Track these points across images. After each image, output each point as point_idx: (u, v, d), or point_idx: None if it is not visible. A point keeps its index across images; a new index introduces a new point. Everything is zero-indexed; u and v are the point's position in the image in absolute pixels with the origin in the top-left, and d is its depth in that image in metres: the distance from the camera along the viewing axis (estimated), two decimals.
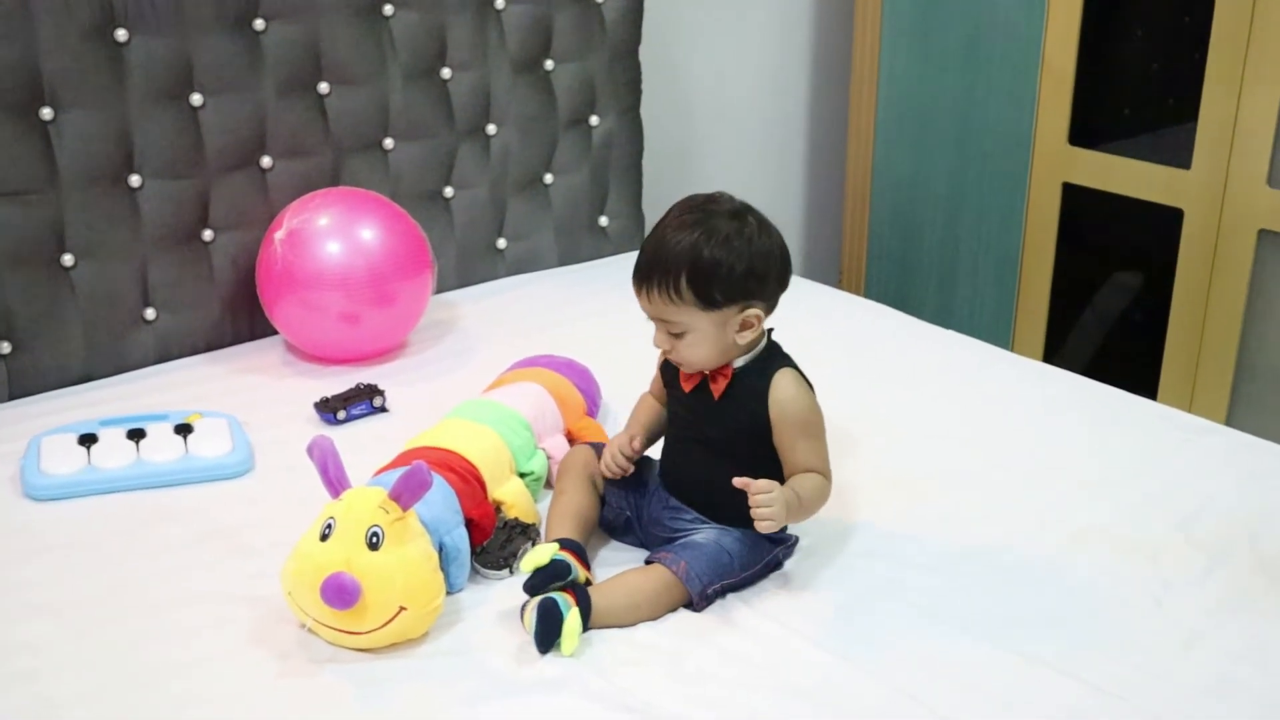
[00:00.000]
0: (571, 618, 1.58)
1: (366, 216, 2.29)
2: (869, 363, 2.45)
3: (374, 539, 1.56)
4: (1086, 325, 3.19)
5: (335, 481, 1.62)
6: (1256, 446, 2.15)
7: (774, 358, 1.74)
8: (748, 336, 1.69)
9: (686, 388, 1.75)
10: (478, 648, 1.60)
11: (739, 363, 1.72)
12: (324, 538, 1.57)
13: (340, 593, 1.52)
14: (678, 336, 1.69)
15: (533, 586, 1.61)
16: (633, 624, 1.65)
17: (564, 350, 2.24)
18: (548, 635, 1.57)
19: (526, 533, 1.78)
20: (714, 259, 1.64)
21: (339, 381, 2.27)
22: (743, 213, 1.70)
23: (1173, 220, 2.79)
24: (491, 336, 2.49)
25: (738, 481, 1.63)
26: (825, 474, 1.72)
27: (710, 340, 1.68)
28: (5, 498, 1.92)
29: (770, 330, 1.76)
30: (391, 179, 2.52)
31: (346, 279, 2.23)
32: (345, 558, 1.55)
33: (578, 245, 2.84)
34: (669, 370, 1.79)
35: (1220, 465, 2.08)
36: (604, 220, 2.87)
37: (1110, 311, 3.21)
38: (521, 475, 1.89)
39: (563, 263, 2.83)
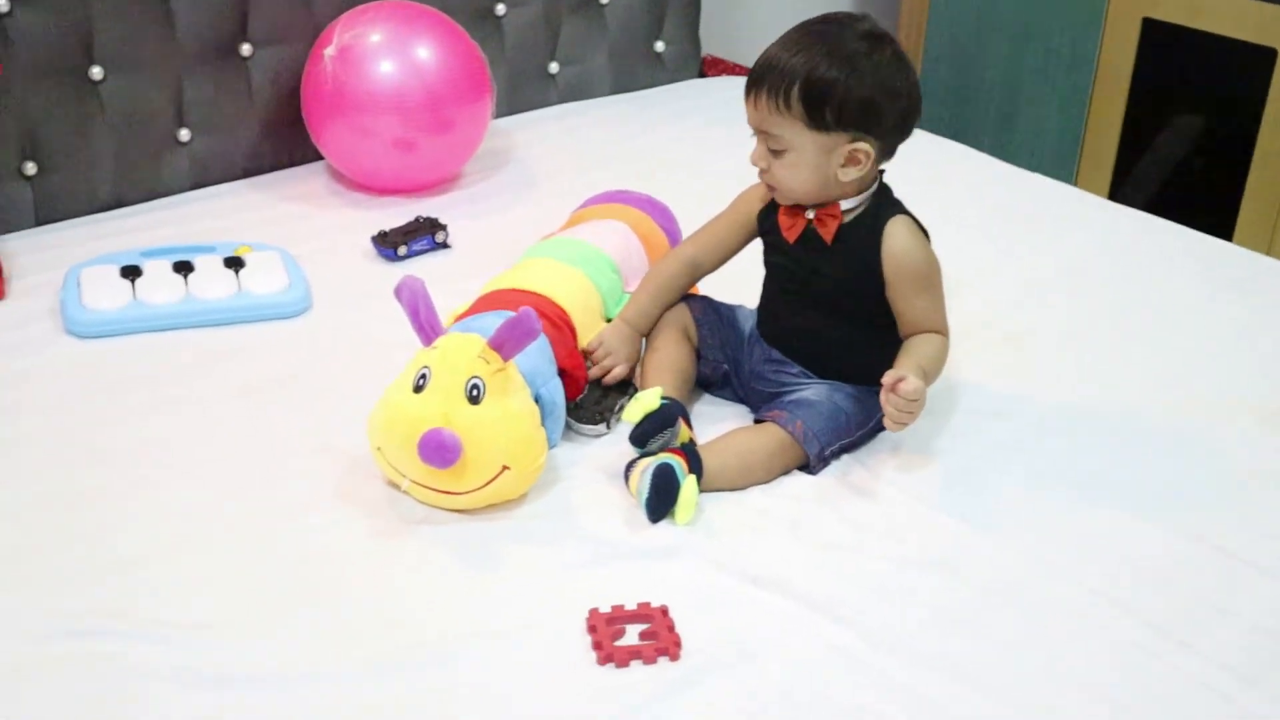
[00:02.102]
0: (688, 485, 1.46)
1: (423, 34, 2.09)
2: (941, 202, 2.24)
3: (474, 392, 1.43)
4: (1145, 168, 3.04)
5: (428, 327, 1.48)
6: None
7: (886, 204, 1.59)
8: (851, 174, 1.53)
9: (790, 236, 1.60)
10: (580, 510, 1.48)
11: (846, 205, 1.57)
12: (418, 389, 1.44)
13: (440, 450, 1.39)
14: (776, 155, 1.54)
15: (640, 435, 1.49)
16: (744, 487, 1.53)
17: (631, 186, 2.07)
18: (662, 503, 1.45)
19: (622, 386, 1.65)
20: (833, 76, 1.48)
21: (392, 213, 2.11)
22: (880, 38, 1.52)
23: (1263, 61, 2.62)
24: (551, 169, 2.32)
25: (888, 377, 1.48)
26: (944, 332, 1.59)
27: (810, 165, 1.53)
28: (46, 334, 1.77)
29: (882, 173, 1.61)
30: None
31: (402, 102, 2.05)
32: (443, 412, 1.41)
33: (632, 72, 2.65)
34: (768, 217, 1.64)
35: None
36: (660, 46, 2.67)
37: (1172, 156, 3.06)
38: (609, 321, 1.75)
39: (615, 90, 2.64)
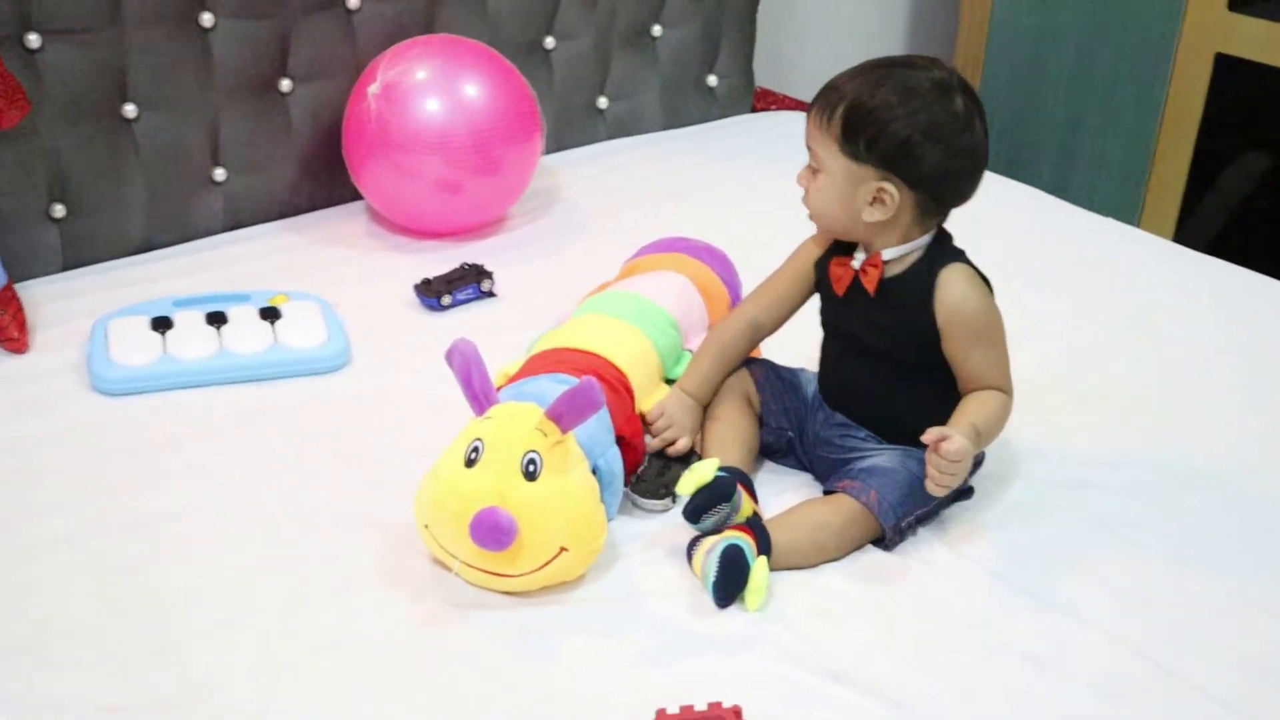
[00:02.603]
0: (759, 568, 1.35)
1: (470, 70, 1.99)
2: (998, 245, 2.08)
3: (531, 467, 1.32)
4: (1209, 207, 2.92)
5: (481, 395, 1.37)
6: None
7: (942, 253, 1.48)
8: (876, 215, 1.43)
9: (839, 288, 1.51)
10: (642, 593, 1.37)
11: (890, 254, 1.47)
12: (470, 463, 1.33)
13: (495, 532, 1.28)
14: (815, 173, 1.47)
15: (694, 510, 1.38)
16: (816, 564, 1.42)
17: (687, 228, 1.97)
18: (731, 587, 1.34)
19: (686, 459, 1.53)
20: (878, 104, 1.41)
21: (435, 259, 2.00)
22: (949, 88, 1.42)
23: None
24: (601, 210, 2.21)
25: (928, 436, 1.38)
26: (1006, 389, 1.48)
27: (837, 192, 1.45)
28: (72, 390, 1.67)
29: (941, 225, 1.50)
30: (490, 26, 2.21)
31: (446, 141, 1.95)
32: (498, 489, 1.31)
33: (683, 107, 2.54)
34: (822, 268, 1.54)
35: None
36: (713, 80, 2.56)
37: (1236, 192, 2.94)
38: (668, 382, 1.65)
39: (666, 126, 2.54)
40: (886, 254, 1.47)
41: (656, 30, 2.45)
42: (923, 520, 1.49)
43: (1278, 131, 2.79)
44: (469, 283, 1.89)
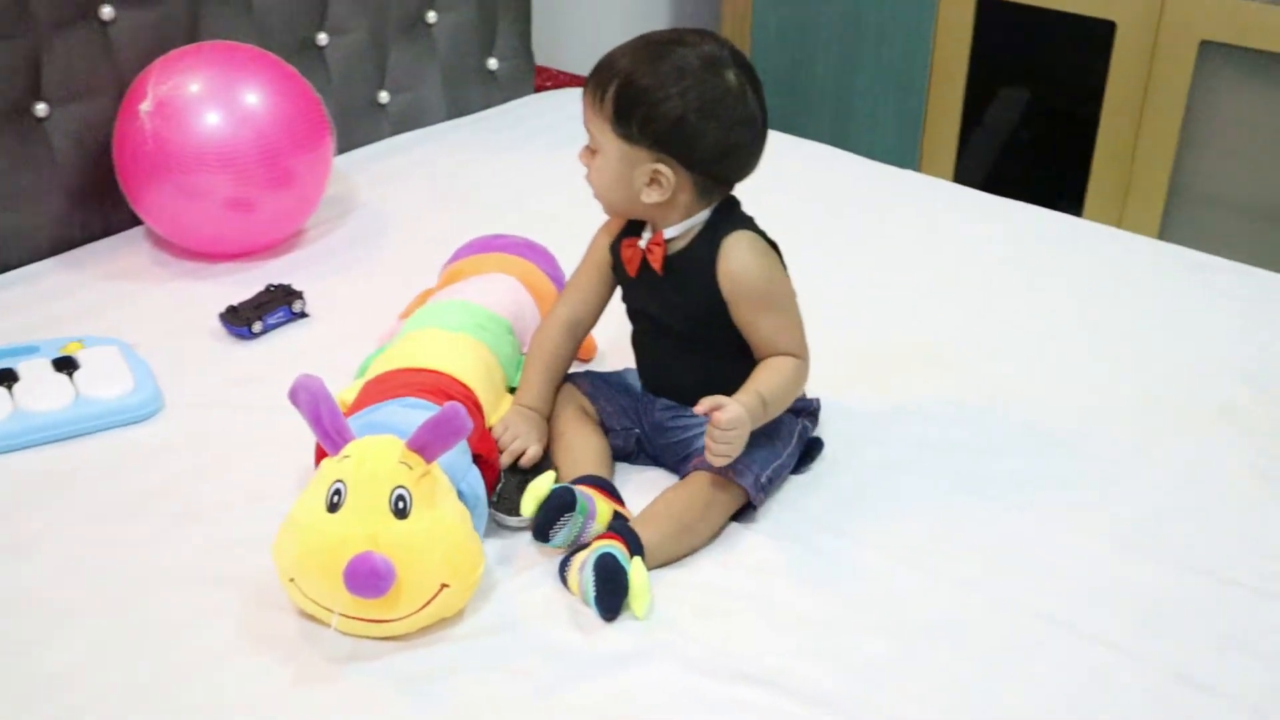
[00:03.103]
0: (636, 570, 1.30)
1: (248, 77, 1.86)
2: (789, 205, 2.07)
3: (400, 504, 1.24)
4: (979, 145, 3.01)
5: (334, 433, 1.28)
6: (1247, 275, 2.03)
7: (725, 222, 1.46)
8: (654, 196, 1.41)
9: (631, 269, 1.49)
10: (527, 619, 1.31)
11: (673, 231, 1.44)
12: (333, 507, 1.24)
13: (372, 578, 1.20)
14: (593, 154, 1.44)
15: (540, 527, 1.34)
16: (689, 552, 1.39)
17: (493, 224, 1.90)
18: (614, 597, 1.29)
19: (540, 468, 1.47)
20: (647, 84, 1.38)
21: (235, 283, 1.88)
22: (720, 63, 1.39)
23: (1103, 34, 2.61)
24: (402, 212, 2.12)
25: (700, 408, 1.37)
26: (798, 353, 1.46)
27: (613, 173, 1.42)
28: None
29: (726, 198, 1.48)
30: (257, 27, 2.08)
31: (232, 157, 1.82)
32: (369, 532, 1.22)
33: (466, 94, 2.46)
34: (615, 252, 1.51)
35: (1231, 303, 1.94)
36: (493, 63, 2.48)
37: (1014, 134, 3.05)
38: (510, 390, 1.58)
39: (451, 115, 2.45)
40: (668, 232, 1.45)
41: (431, 16, 2.35)
42: (775, 480, 1.46)
43: (1047, 70, 2.90)
44: (278, 305, 1.77)
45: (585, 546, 1.34)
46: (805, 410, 1.55)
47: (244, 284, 1.86)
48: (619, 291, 1.56)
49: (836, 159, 2.42)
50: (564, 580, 1.34)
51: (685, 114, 1.38)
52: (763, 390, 1.41)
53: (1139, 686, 1.23)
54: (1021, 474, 1.54)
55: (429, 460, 1.27)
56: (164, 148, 1.80)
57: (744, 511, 1.44)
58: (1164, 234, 2.63)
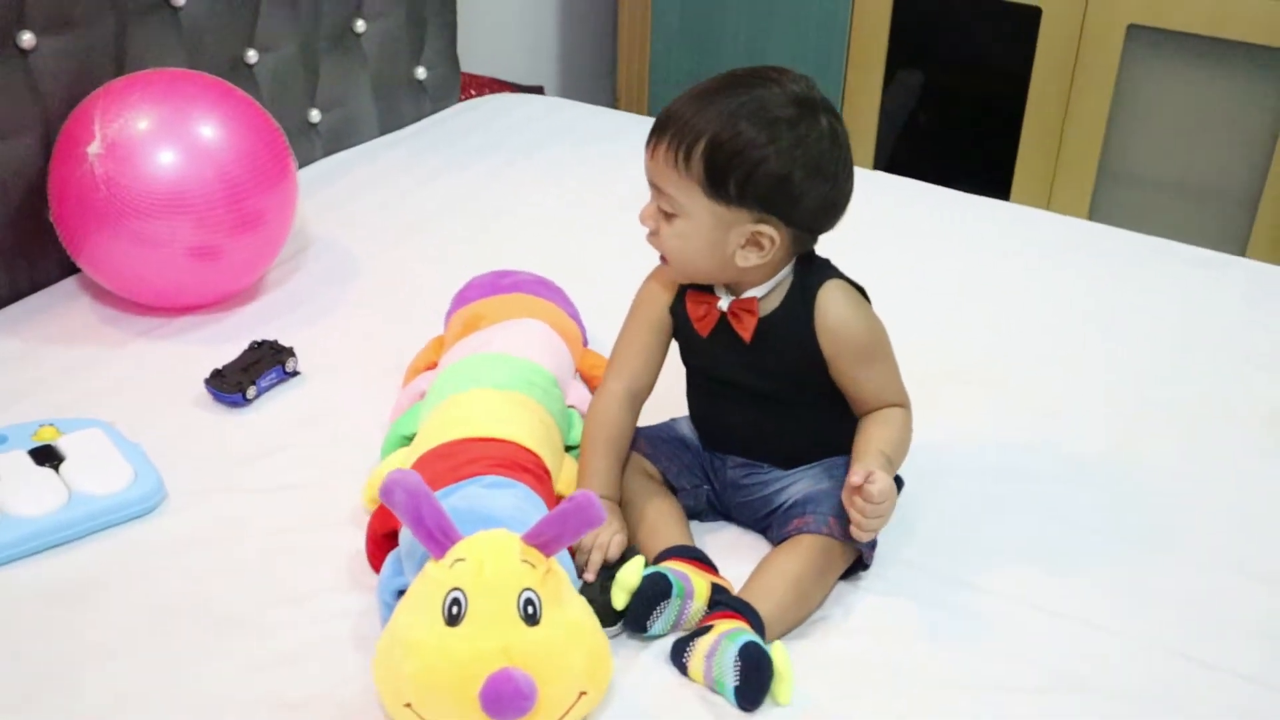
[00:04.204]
0: (781, 656, 1.19)
1: (201, 108, 1.65)
2: None
3: (529, 609, 1.10)
4: (895, 131, 2.98)
5: (439, 534, 1.12)
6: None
7: (812, 273, 1.35)
8: (752, 259, 1.29)
9: (703, 330, 1.36)
10: (659, 715, 1.18)
11: (760, 291, 1.33)
12: (454, 619, 1.09)
13: (516, 700, 1.06)
14: (669, 218, 1.30)
15: (637, 620, 1.22)
16: (806, 618, 1.29)
17: (463, 252, 1.76)
18: (759, 689, 1.17)
19: (626, 557, 1.31)
20: (747, 141, 1.24)
21: (202, 340, 1.68)
22: (813, 105, 1.28)
23: (1029, 20, 2.60)
24: (363, 245, 1.94)
25: (856, 475, 1.25)
26: (903, 403, 1.38)
27: (704, 238, 1.29)
28: None
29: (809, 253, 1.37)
30: (188, 47, 1.86)
31: (194, 199, 1.61)
32: (501, 645, 1.08)
33: (397, 106, 2.28)
34: (678, 309, 1.38)
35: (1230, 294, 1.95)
36: (421, 72, 2.30)
37: (901, 110, 3.02)
38: (568, 450, 1.45)
39: (383, 129, 2.26)
40: (758, 293, 1.33)
41: (360, 25, 2.16)
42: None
43: (972, 55, 2.87)
44: (269, 366, 1.58)
45: (701, 631, 1.22)
46: None
47: (214, 341, 1.67)
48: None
49: None
50: (681, 668, 1.22)
51: (791, 170, 1.25)
52: (885, 450, 1.31)
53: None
54: (1094, 499, 1.49)
55: (549, 555, 1.14)
56: (119, 194, 1.58)
57: (851, 569, 1.35)
58: (1093, 215, 2.65)
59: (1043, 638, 1.28)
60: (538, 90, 2.90)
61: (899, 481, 1.45)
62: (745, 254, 1.29)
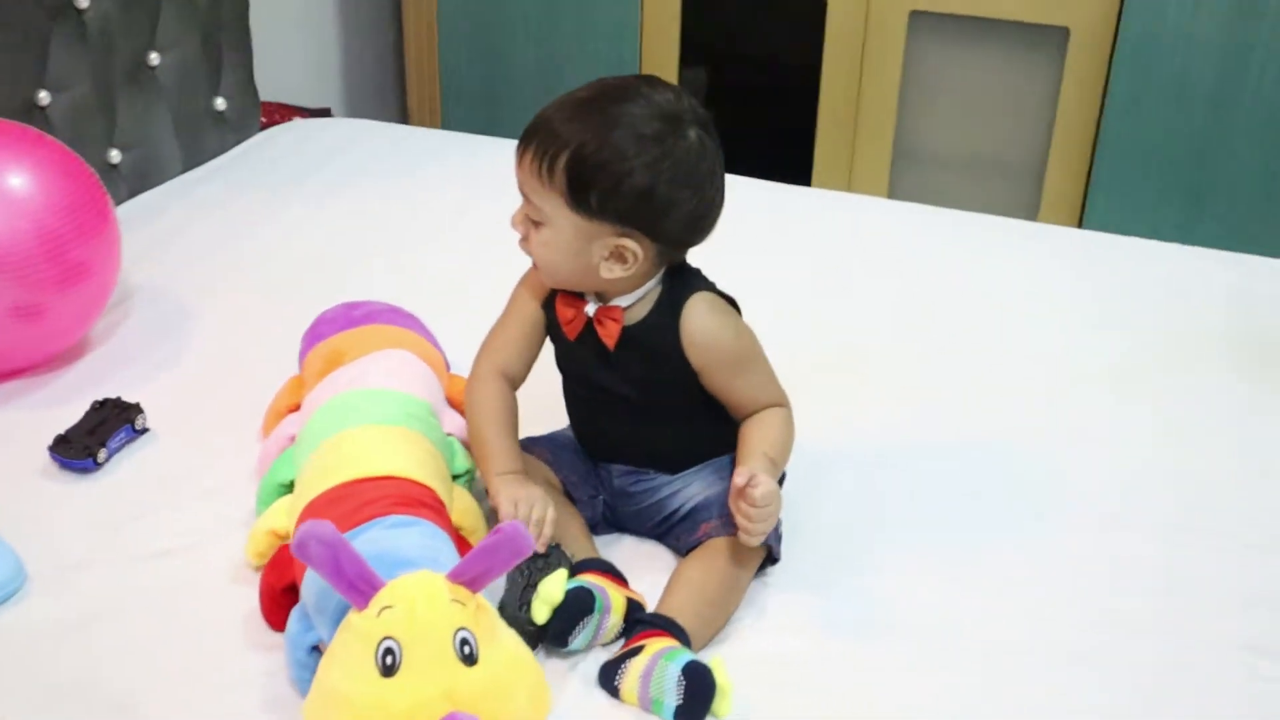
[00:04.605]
0: (719, 670, 1.18)
1: (5, 157, 1.53)
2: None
3: (466, 648, 1.07)
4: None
5: (361, 583, 1.07)
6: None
7: (678, 285, 1.34)
8: (615, 271, 1.28)
9: (570, 333, 1.35)
10: None
11: (627, 300, 1.32)
12: (389, 670, 1.05)
13: None
14: (535, 224, 1.29)
15: (559, 634, 1.21)
16: (727, 622, 1.29)
17: (297, 289, 1.70)
18: (701, 706, 1.16)
19: (549, 558, 1.31)
20: (610, 155, 1.23)
21: (32, 405, 1.57)
22: (680, 119, 1.26)
23: (816, 12, 2.66)
24: (187, 291, 1.84)
25: (739, 477, 1.25)
26: (782, 402, 1.38)
27: (567, 248, 1.28)
28: None
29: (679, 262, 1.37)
30: None
31: (11, 256, 1.50)
32: (443, 690, 1.04)
33: (199, 140, 2.17)
34: (551, 309, 1.37)
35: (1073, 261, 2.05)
36: (220, 103, 2.20)
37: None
38: (455, 478, 1.40)
39: (188, 166, 2.15)
40: (623, 302, 1.32)
41: (154, 58, 2.05)
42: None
43: (763, 55, 2.92)
44: (117, 425, 1.48)
45: (632, 653, 1.20)
46: None
47: (47, 405, 1.56)
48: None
49: None
50: (613, 690, 1.20)
51: (655, 185, 1.24)
52: (767, 451, 1.31)
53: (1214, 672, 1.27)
54: (970, 470, 1.54)
55: (476, 590, 1.10)
56: None
57: (760, 566, 1.35)
58: (892, 195, 2.74)
59: (952, 611, 1.32)
60: (324, 112, 2.82)
61: (780, 478, 1.47)
62: (609, 266, 1.28)
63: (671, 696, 1.16)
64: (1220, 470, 1.55)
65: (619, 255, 1.27)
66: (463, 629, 1.07)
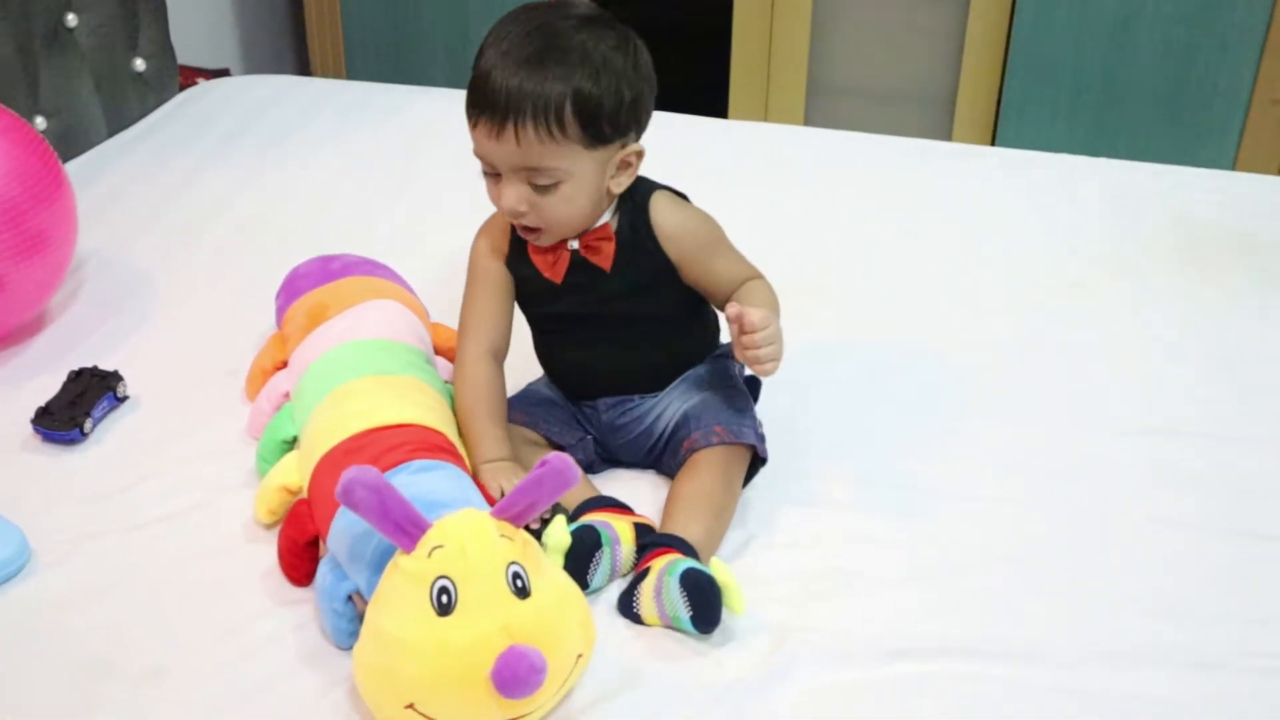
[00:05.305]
0: (719, 570, 1.20)
1: None
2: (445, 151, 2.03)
3: (518, 582, 1.08)
4: None
5: (409, 525, 1.08)
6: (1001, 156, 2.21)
7: (635, 190, 1.38)
8: (623, 182, 1.33)
9: (557, 276, 1.36)
10: (637, 664, 1.17)
11: (607, 217, 1.36)
12: (445, 609, 1.05)
13: (531, 675, 1.04)
14: (545, 190, 1.29)
15: (577, 576, 1.21)
16: (727, 529, 1.33)
17: (257, 244, 1.69)
18: (712, 609, 1.19)
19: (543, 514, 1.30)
20: (603, 85, 1.26)
21: (3, 379, 1.51)
22: (614, 24, 1.32)
23: None
24: (143, 256, 1.80)
25: (731, 310, 1.29)
26: (758, 274, 1.42)
27: (589, 189, 1.30)
28: None
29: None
30: None
31: None
32: (501, 625, 1.05)
33: (122, 103, 2.10)
34: (518, 265, 1.38)
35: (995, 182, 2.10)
36: (139, 64, 2.13)
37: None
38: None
39: (113, 130, 2.09)
40: (607, 218, 1.35)
41: (71, 20, 1.98)
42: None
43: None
44: (99, 394, 1.44)
45: (640, 577, 1.23)
46: (728, 354, 1.48)
47: (19, 378, 1.53)
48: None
49: (459, 99, 2.29)
50: (634, 617, 1.22)
51: (641, 89, 1.30)
52: (761, 304, 1.33)
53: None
54: (946, 384, 1.59)
55: (519, 525, 1.11)
56: None
57: (752, 470, 1.39)
58: (808, 124, 2.78)
59: (957, 517, 1.36)
60: (224, 73, 2.76)
61: (756, 386, 1.50)
62: (619, 180, 1.32)
63: (683, 608, 1.19)
64: (1180, 368, 1.62)
65: (625, 164, 1.31)
66: (514, 563, 1.08)
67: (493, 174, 1.30)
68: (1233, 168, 2.56)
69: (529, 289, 1.39)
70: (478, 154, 1.29)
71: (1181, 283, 1.80)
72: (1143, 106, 2.59)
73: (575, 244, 1.34)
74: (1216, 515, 1.37)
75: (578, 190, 1.29)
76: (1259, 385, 1.59)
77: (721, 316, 1.42)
